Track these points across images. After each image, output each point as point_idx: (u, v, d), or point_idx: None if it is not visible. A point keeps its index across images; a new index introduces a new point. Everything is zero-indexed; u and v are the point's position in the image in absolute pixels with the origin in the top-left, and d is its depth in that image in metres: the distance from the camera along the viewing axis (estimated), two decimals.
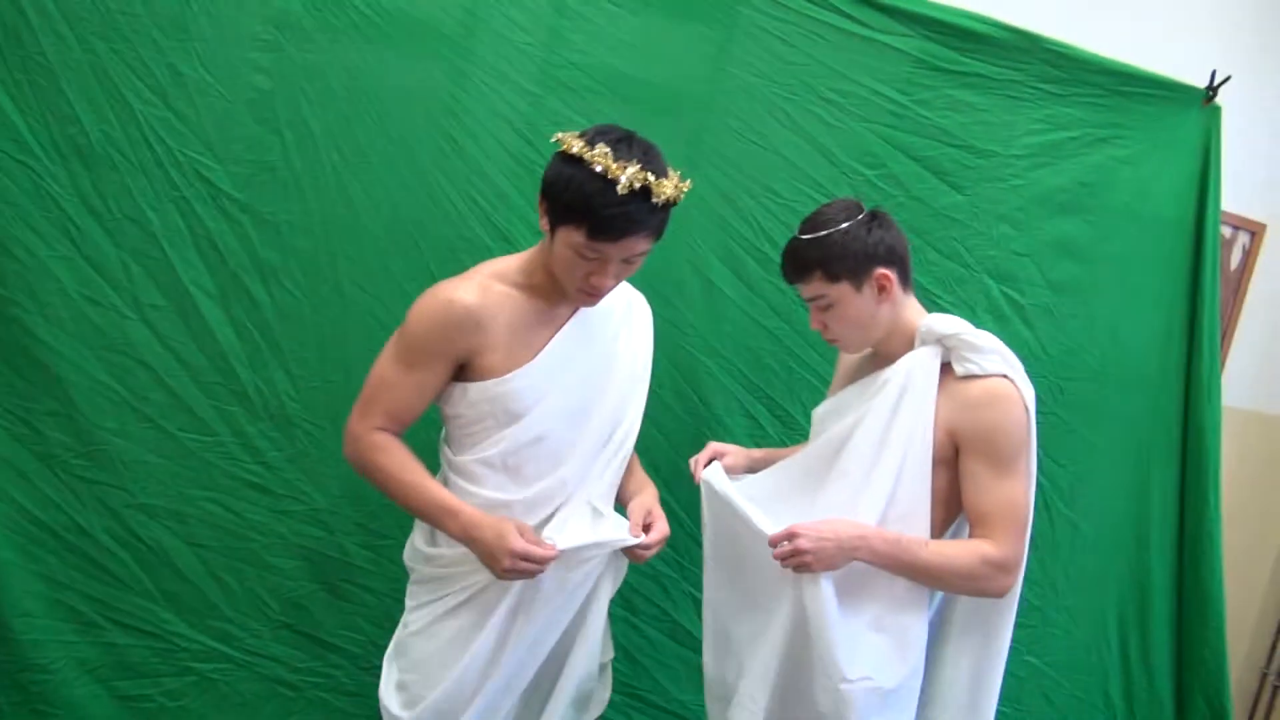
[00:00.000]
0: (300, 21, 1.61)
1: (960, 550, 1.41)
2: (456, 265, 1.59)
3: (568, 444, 1.43)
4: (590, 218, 1.27)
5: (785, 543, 1.35)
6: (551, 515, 1.42)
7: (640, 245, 1.31)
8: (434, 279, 1.45)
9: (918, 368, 1.45)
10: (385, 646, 1.47)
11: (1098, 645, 2.11)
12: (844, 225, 1.44)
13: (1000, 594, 1.43)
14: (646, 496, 1.50)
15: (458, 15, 1.68)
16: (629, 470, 1.53)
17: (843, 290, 1.45)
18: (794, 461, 1.54)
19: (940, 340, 1.45)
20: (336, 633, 1.76)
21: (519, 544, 1.30)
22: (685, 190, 1.33)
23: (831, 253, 1.43)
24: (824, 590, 1.34)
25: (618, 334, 1.49)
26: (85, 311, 1.59)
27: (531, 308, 1.41)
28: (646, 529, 1.42)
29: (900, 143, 1.88)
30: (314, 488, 1.71)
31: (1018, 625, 1.49)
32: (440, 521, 1.37)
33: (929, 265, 1.92)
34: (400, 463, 1.39)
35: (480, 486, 1.41)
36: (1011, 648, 1.48)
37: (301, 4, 1.61)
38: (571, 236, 1.29)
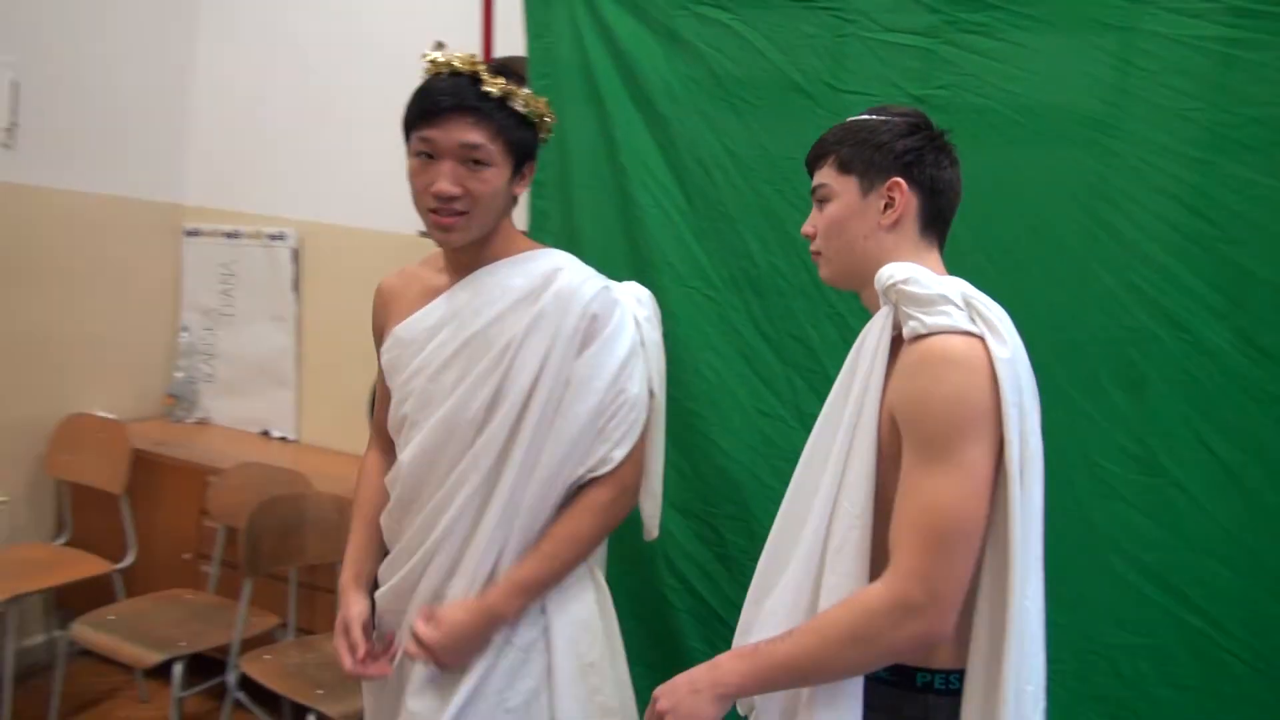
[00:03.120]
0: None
1: (839, 612, 1.04)
2: (1122, 360, 1.44)
3: (416, 432, 1.36)
4: (414, 107, 1.30)
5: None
6: (403, 511, 1.40)
7: (470, 132, 1.26)
8: (1099, 380, 1.33)
9: (869, 333, 1.14)
10: None
11: None
12: (887, 119, 1.21)
13: (910, 648, 1.02)
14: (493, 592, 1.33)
15: (1105, 95, 1.58)
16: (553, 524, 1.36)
17: (846, 185, 1.19)
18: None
19: (885, 293, 1.11)
20: None
21: (339, 644, 1.40)
22: (525, 95, 1.31)
23: (854, 139, 1.20)
24: None
25: (506, 313, 1.33)
26: (757, 423, 1.77)
27: (426, 284, 1.42)
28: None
29: None
30: None
31: None
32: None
33: None
34: (359, 496, 1.52)
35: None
36: None
37: (940, 120, 1.63)
38: (410, 144, 1.31)
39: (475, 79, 1.28)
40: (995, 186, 1.61)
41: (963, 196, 1.65)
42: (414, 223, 2.18)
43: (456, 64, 1.29)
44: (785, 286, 1.75)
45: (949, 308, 1.07)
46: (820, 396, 1.71)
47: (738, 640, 1.22)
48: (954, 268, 1.52)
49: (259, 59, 3.13)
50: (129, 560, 2.75)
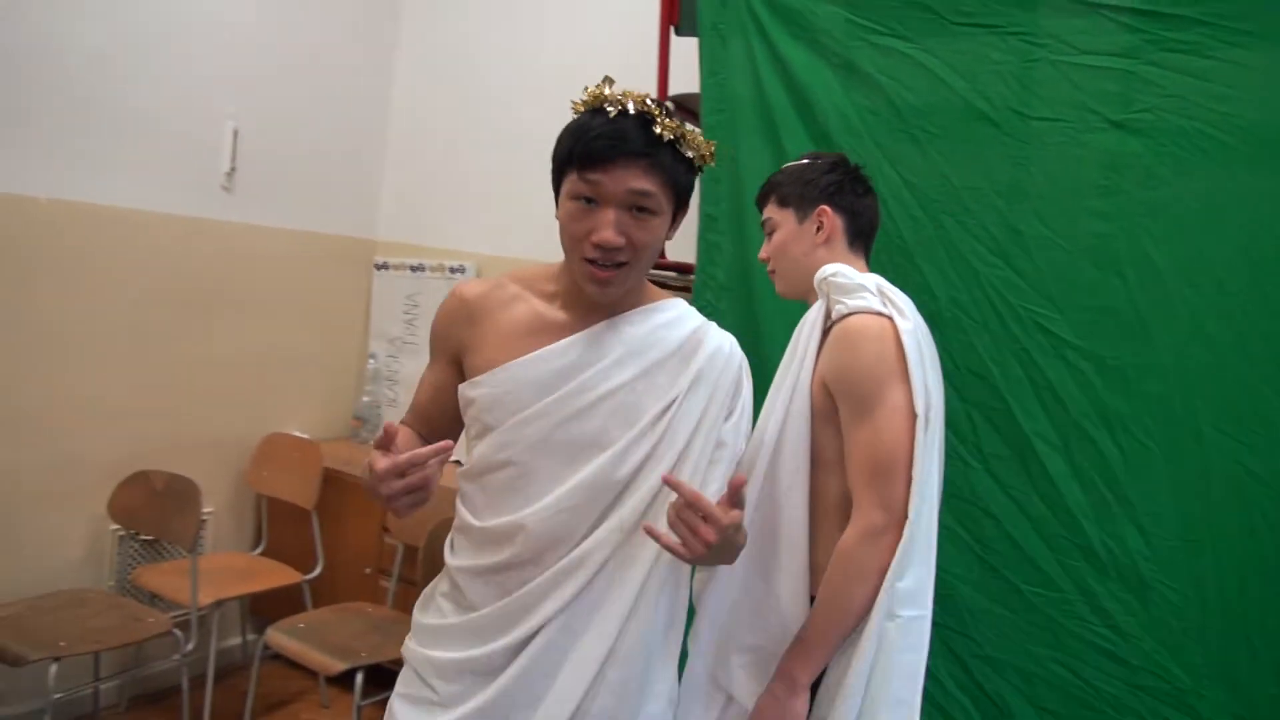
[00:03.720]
0: (1140, 160, 1.57)
1: (831, 572, 1.35)
2: None
3: (545, 483, 1.21)
4: (576, 146, 1.16)
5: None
6: (517, 569, 1.21)
7: (641, 179, 1.15)
8: None
9: (806, 320, 1.47)
10: None
11: None
12: (810, 161, 1.56)
13: (891, 558, 1.31)
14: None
15: None
16: None
17: (786, 216, 1.54)
18: None
19: (819, 287, 1.45)
20: None
21: (380, 462, 1.09)
22: (694, 139, 1.19)
23: (789, 179, 1.55)
24: None
25: (654, 369, 1.23)
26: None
27: (537, 312, 1.27)
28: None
29: None
30: (1175, 663, 1.51)
31: None
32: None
33: None
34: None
35: (462, 505, 1.30)
36: None
37: (1141, 144, 1.57)
38: (567, 185, 1.18)
39: (647, 120, 1.17)
40: (1204, 212, 1.52)
41: (1165, 223, 1.57)
42: None
43: (626, 101, 1.17)
44: (966, 321, 1.69)
45: (865, 294, 1.40)
46: (1003, 436, 1.66)
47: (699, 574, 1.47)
48: (1156, 296, 1.47)
49: (450, 103, 3.33)
50: (317, 572, 2.93)
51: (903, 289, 1.73)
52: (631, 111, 1.17)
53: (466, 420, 1.31)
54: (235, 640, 3.15)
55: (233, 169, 2.97)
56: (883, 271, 1.74)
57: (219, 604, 2.69)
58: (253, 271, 3.07)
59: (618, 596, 1.21)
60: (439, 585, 1.34)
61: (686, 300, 1.33)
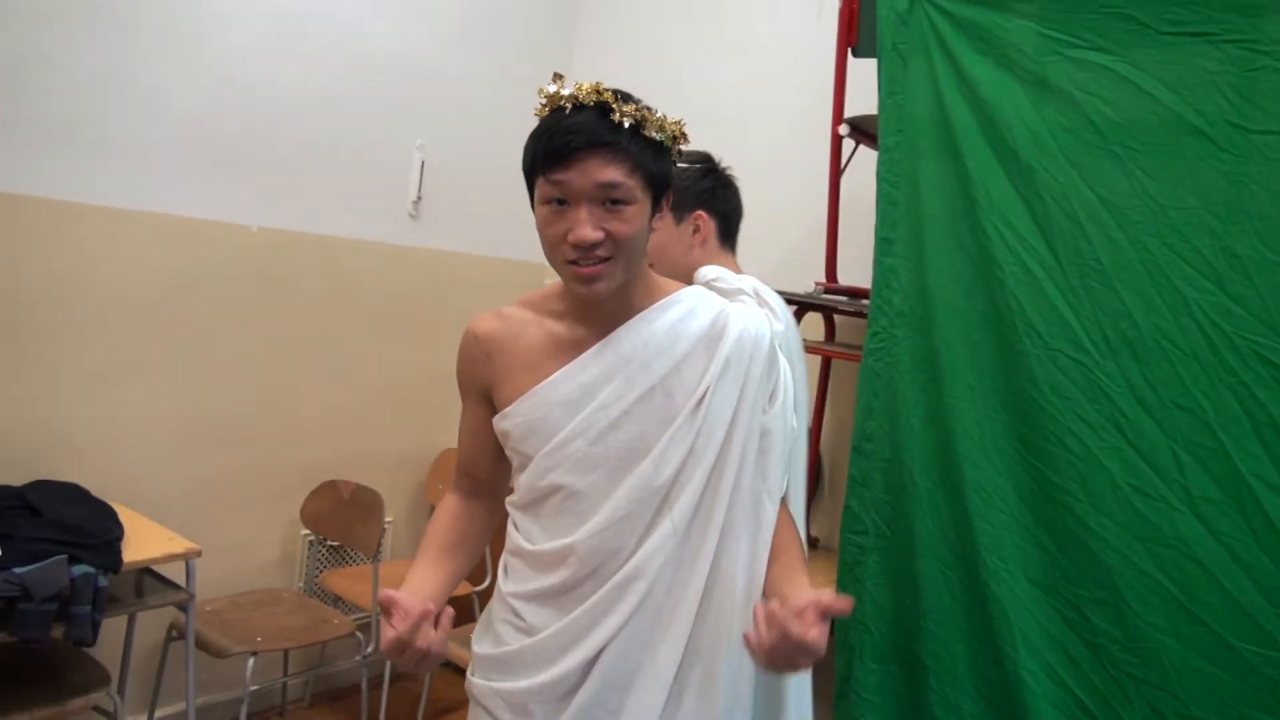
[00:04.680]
0: None
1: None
2: None
3: (595, 499, 1.19)
4: (537, 149, 1.14)
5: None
6: (574, 588, 1.20)
7: (605, 170, 1.11)
8: None
9: None
10: None
11: None
12: (686, 166, 1.65)
13: None
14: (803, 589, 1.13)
15: None
16: (774, 554, 1.22)
17: (665, 220, 1.60)
18: None
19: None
20: None
21: (384, 631, 1.09)
22: (658, 120, 1.15)
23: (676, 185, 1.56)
24: None
25: (681, 364, 1.21)
26: (1133, 502, 1.59)
27: (551, 333, 1.25)
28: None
29: None
30: None
31: None
32: None
33: None
34: (428, 534, 1.32)
35: (516, 530, 1.29)
36: None
37: None
38: (537, 192, 1.16)
39: (603, 109, 1.13)
40: None
41: None
42: (756, 279, 2.21)
43: (579, 96, 1.14)
44: (1173, 351, 1.57)
45: (744, 297, 1.53)
46: (1214, 476, 1.53)
47: None
48: None
49: None
50: (486, 583, 3.03)
51: (1099, 316, 1.64)
52: (587, 104, 1.13)
53: (508, 453, 1.30)
54: None
55: (419, 197, 3.14)
56: (1074, 295, 1.66)
57: None
58: (434, 294, 3.24)
59: (681, 600, 1.19)
60: (495, 612, 1.31)
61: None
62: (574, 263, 1.14)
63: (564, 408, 1.20)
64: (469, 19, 3.23)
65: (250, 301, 2.77)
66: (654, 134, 1.16)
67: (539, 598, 1.23)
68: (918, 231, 1.87)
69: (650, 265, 1.57)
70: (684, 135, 1.20)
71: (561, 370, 1.22)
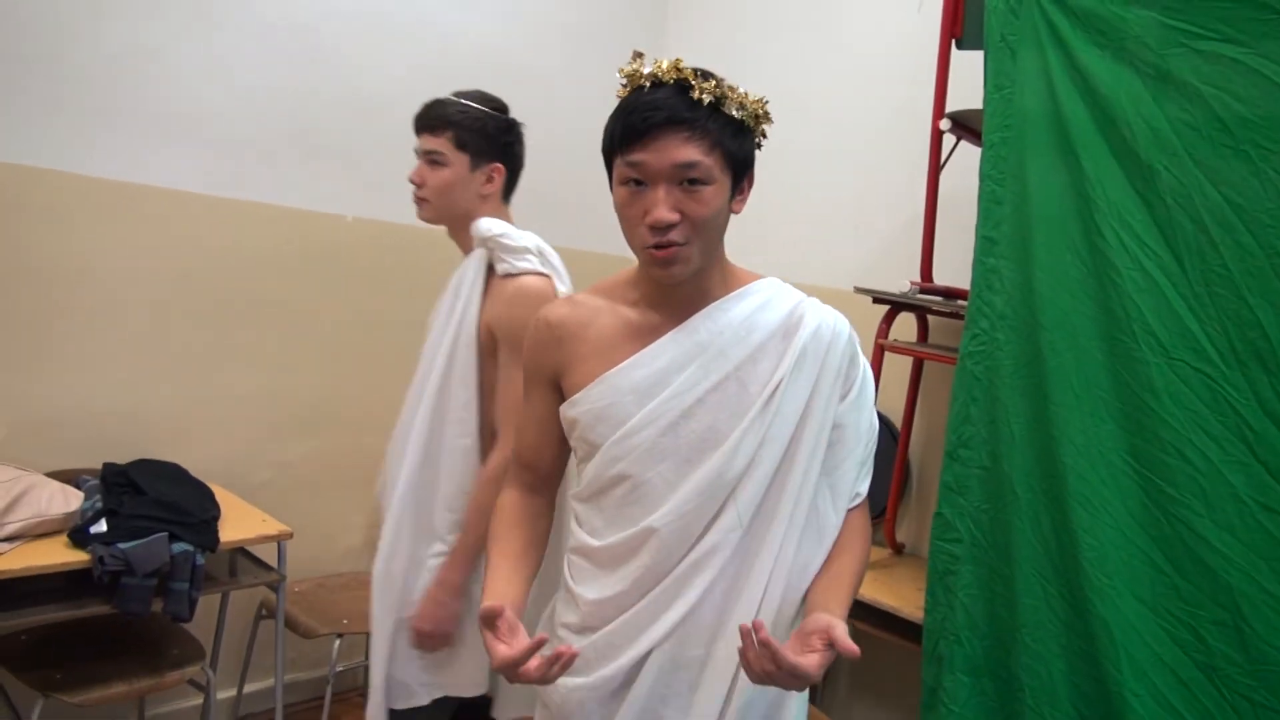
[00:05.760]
0: None
1: (482, 489, 1.68)
2: None
3: (662, 490, 1.16)
4: (615, 129, 1.12)
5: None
6: (644, 579, 1.17)
7: (683, 149, 1.08)
8: None
9: (469, 267, 1.73)
10: None
11: None
12: (489, 112, 1.76)
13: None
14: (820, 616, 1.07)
15: None
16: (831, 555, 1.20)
17: (460, 159, 1.72)
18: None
19: (484, 242, 1.68)
20: None
21: (495, 648, 1.05)
22: (741, 97, 1.12)
23: (471, 125, 1.72)
24: None
25: (757, 354, 1.18)
26: (1259, 519, 1.50)
27: (624, 320, 1.23)
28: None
29: None
30: None
31: None
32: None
33: None
34: (494, 532, 1.28)
35: (579, 527, 1.27)
36: None
37: None
38: (615, 173, 1.14)
39: (682, 86, 1.10)
40: None
41: None
42: (848, 278, 2.18)
43: (659, 73, 1.11)
44: None
45: (530, 256, 1.66)
46: None
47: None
48: None
49: None
50: None
51: (1225, 325, 1.55)
52: (666, 81, 1.11)
53: (572, 443, 1.28)
54: None
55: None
56: (1199, 303, 1.58)
57: None
58: None
59: (741, 593, 1.17)
60: (559, 615, 1.30)
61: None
62: (651, 246, 1.12)
63: (635, 395, 1.18)
64: (559, 16, 3.24)
65: (341, 290, 2.82)
66: (734, 112, 1.12)
67: (602, 601, 1.22)
68: (1024, 232, 1.81)
69: (424, 200, 1.74)
70: (767, 114, 1.17)
71: (634, 356, 1.19)
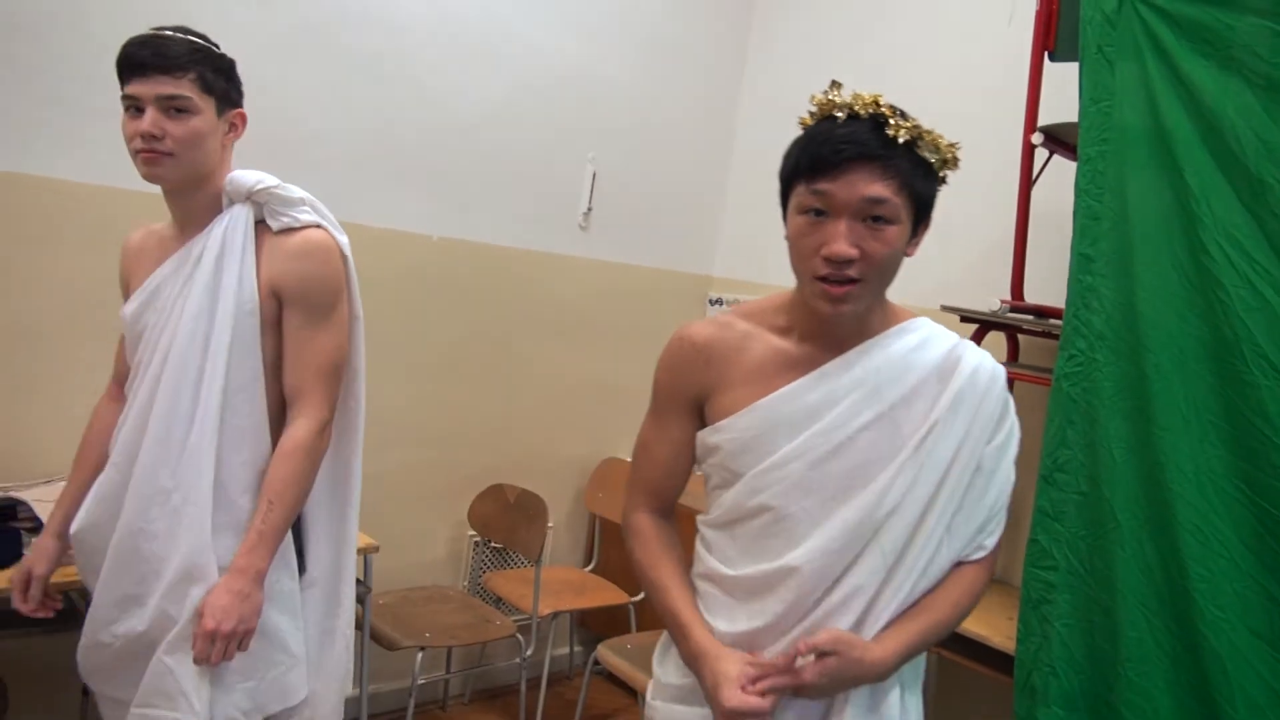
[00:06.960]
0: None
1: (288, 464, 1.46)
2: None
3: (806, 526, 1.15)
4: (804, 155, 1.10)
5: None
6: (784, 617, 1.15)
7: (873, 184, 1.06)
8: None
9: (232, 228, 1.47)
10: None
11: None
12: (221, 53, 1.50)
13: (315, 459, 1.48)
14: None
15: None
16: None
17: (208, 105, 1.46)
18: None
19: (250, 196, 1.48)
20: None
21: (733, 698, 1.07)
22: (935, 139, 1.10)
23: (214, 66, 1.47)
24: None
25: (912, 395, 1.16)
26: None
27: (775, 348, 1.21)
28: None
29: None
30: None
31: None
32: (674, 636, 1.21)
33: None
34: (652, 555, 1.26)
35: (708, 552, 1.24)
36: None
37: None
38: (794, 200, 1.12)
39: (878, 122, 1.09)
40: None
41: None
42: (935, 295, 2.10)
43: (856, 106, 1.10)
44: None
45: (306, 208, 1.51)
46: None
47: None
48: None
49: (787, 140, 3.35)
50: (641, 595, 3.04)
51: None
52: (862, 115, 1.09)
53: (706, 469, 1.26)
54: (563, 650, 3.34)
55: (589, 209, 3.19)
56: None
57: (555, 615, 2.87)
58: (600, 305, 3.28)
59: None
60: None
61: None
62: (823, 279, 1.10)
63: (785, 427, 1.16)
64: (641, 35, 3.26)
65: (427, 306, 2.88)
66: (927, 154, 1.11)
67: (732, 629, 1.19)
68: (1124, 248, 1.74)
69: (167, 155, 1.41)
70: (955, 160, 1.15)
71: (788, 388, 1.17)
